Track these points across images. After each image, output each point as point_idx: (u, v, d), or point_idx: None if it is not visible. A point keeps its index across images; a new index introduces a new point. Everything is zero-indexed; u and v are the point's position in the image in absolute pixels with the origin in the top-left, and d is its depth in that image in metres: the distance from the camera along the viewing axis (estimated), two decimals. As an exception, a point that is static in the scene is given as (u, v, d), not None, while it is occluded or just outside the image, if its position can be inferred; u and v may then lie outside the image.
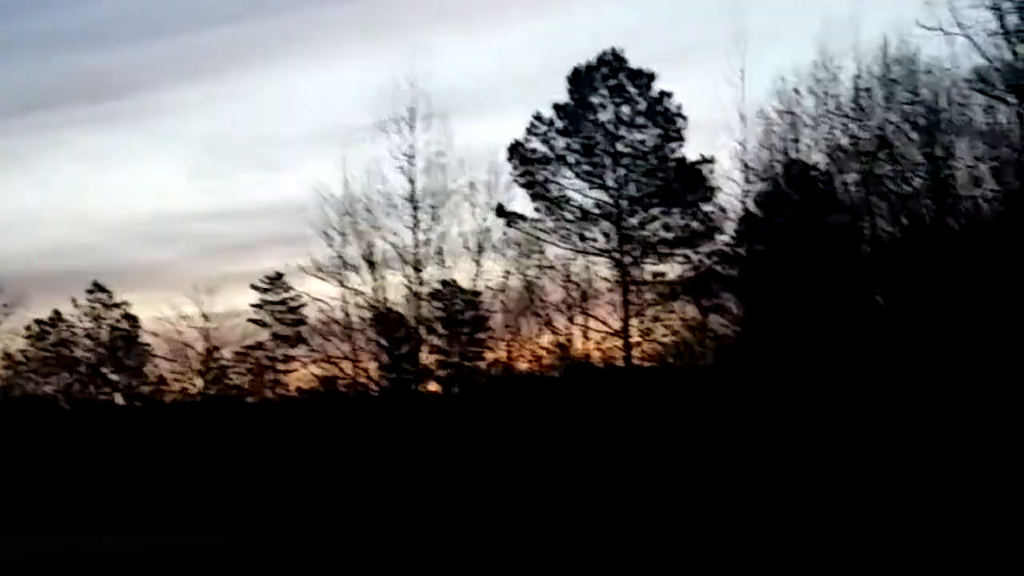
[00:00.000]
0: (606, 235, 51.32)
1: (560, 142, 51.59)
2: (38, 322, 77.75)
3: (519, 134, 52.11)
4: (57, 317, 78.38)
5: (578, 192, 51.70)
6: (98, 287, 78.49)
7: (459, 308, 49.51)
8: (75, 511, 48.72)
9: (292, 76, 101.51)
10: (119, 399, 77.53)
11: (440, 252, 47.77)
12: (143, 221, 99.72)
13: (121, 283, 79.74)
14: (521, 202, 51.31)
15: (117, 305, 78.43)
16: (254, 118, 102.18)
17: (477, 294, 48.67)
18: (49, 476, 55.98)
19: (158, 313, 71.30)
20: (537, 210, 51.72)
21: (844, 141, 43.82)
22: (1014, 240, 36.96)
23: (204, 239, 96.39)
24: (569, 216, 51.49)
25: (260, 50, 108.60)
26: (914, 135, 42.14)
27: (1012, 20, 39.43)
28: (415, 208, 47.56)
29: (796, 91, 44.68)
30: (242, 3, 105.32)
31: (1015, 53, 39.43)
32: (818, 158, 44.53)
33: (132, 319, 78.19)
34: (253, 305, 75.66)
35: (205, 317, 70.99)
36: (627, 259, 51.02)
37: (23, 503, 51.45)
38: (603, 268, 51.37)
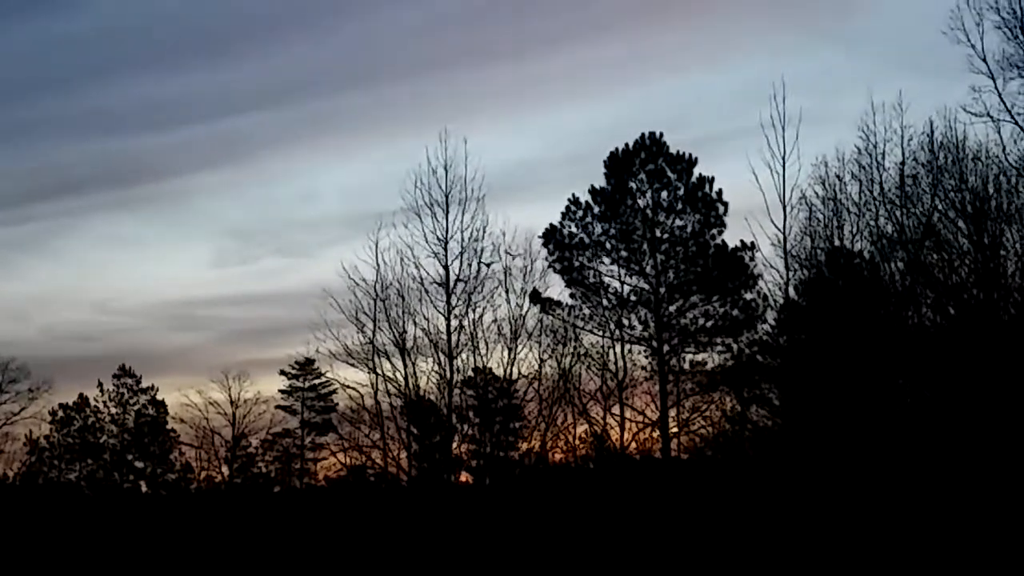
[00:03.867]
0: (644, 323, 50.48)
1: (597, 227, 51.00)
2: (63, 407, 77.27)
3: (555, 218, 51.76)
4: (83, 402, 77.86)
5: (615, 278, 51.06)
6: (125, 372, 78.08)
7: (492, 396, 48.44)
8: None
9: (321, 161, 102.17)
10: (144, 486, 76.63)
11: (474, 339, 46.88)
12: (170, 306, 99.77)
13: (148, 368, 79.48)
14: (557, 288, 50.60)
15: (144, 390, 77.95)
16: (282, 203, 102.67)
17: (511, 382, 47.64)
18: (69, 566, 54.81)
19: (185, 399, 70.77)
20: (573, 296, 51.06)
21: (889, 229, 42.97)
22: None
23: (232, 324, 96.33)
24: (606, 303, 50.77)
25: (288, 135, 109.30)
26: (961, 223, 41.22)
27: (1063, 106, 38.84)
28: (449, 294, 46.71)
29: (839, 177, 44.05)
30: (271, 90, 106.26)
31: (1066, 139, 38.71)
32: (862, 246, 43.71)
33: (159, 405, 77.62)
34: (282, 391, 75.14)
35: (233, 403, 70.46)
36: (665, 348, 50.10)
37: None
38: (641, 357, 50.49)
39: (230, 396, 70.41)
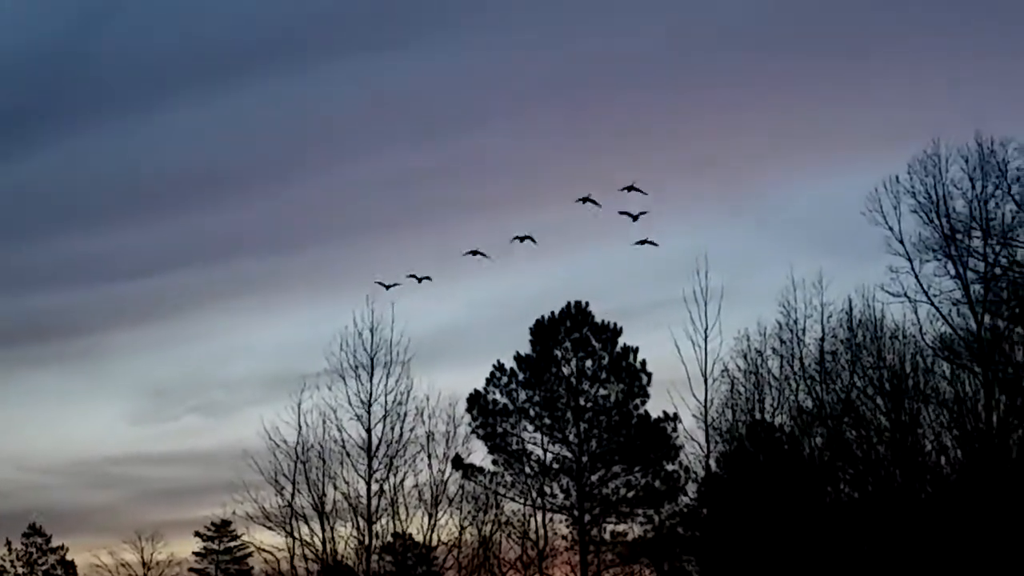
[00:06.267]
0: (566, 491, 50.47)
1: (521, 394, 51.36)
2: (-34, 567, 75.08)
3: (480, 384, 52.10)
4: (-12, 562, 75.69)
5: (538, 446, 51.23)
6: (34, 530, 76.20)
7: (412, 563, 47.73)
8: None
9: (244, 320, 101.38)
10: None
11: (394, 504, 46.26)
12: (85, 463, 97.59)
13: (59, 527, 77.51)
14: (479, 454, 50.56)
15: (53, 550, 75.98)
16: (204, 362, 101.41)
17: (431, 548, 46.93)
18: None
19: (96, 560, 69.18)
20: (496, 463, 51.00)
21: (809, 404, 43.50)
22: (980, 511, 36.35)
23: (147, 483, 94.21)
24: (528, 470, 50.76)
25: (212, 294, 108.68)
26: (880, 401, 41.85)
27: (977, 290, 39.97)
28: (371, 457, 46.27)
29: (759, 352, 44.74)
30: (195, 248, 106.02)
31: (980, 323, 39.67)
32: (783, 420, 44.18)
33: (68, 565, 75.62)
34: (196, 553, 73.65)
35: (145, 565, 69.01)
36: (587, 517, 49.96)
37: None
38: (562, 526, 50.41)
39: (142, 558, 69.09)
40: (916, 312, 40.87)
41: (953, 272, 39.97)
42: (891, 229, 41.04)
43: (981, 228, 39.57)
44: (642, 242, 37.26)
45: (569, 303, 51.97)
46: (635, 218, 36.72)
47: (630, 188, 35.75)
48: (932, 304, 40.46)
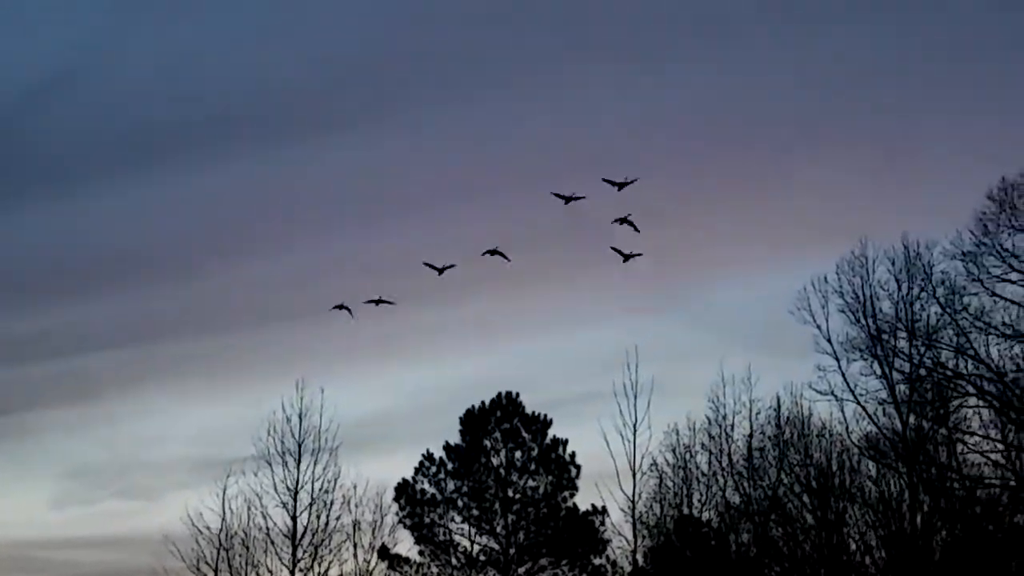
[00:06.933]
0: (492, 584, 49.97)
1: (450, 484, 50.96)
2: None
3: (408, 473, 51.64)
4: None
5: (466, 537, 50.64)
6: (-54, 615, 74.10)
7: (333, 656, 46.82)
8: None
9: (171, 404, 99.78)
10: None
11: (318, 594, 45.56)
12: (5, 546, 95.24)
13: (-27, 614, 75.38)
14: (406, 544, 49.93)
15: (-37, 636, 73.83)
16: (129, 444, 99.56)
17: (354, 641, 46.18)
18: None
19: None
20: (422, 553, 50.33)
21: (737, 499, 43.73)
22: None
23: (67, 568, 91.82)
24: (455, 562, 50.19)
25: (140, 376, 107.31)
26: (806, 498, 42.18)
27: (902, 390, 40.55)
28: (295, 546, 45.58)
29: (688, 448, 44.97)
30: (124, 330, 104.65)
31: (905, 423, 40.17)
32: (711, 515, 44.35)
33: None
34: (113, 641, 71.94)
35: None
36: (513, 612, 49.49)
37: None
38: (487, 621, 49.72)
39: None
40: (843, 410, 41.44)
41: (879, 372, 40.63)
42: (819, 328, 41.82)
43: (907, 329, 40.34)
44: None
45: (499, 393, 51.96)
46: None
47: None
48: (858, 403, 41.03)
